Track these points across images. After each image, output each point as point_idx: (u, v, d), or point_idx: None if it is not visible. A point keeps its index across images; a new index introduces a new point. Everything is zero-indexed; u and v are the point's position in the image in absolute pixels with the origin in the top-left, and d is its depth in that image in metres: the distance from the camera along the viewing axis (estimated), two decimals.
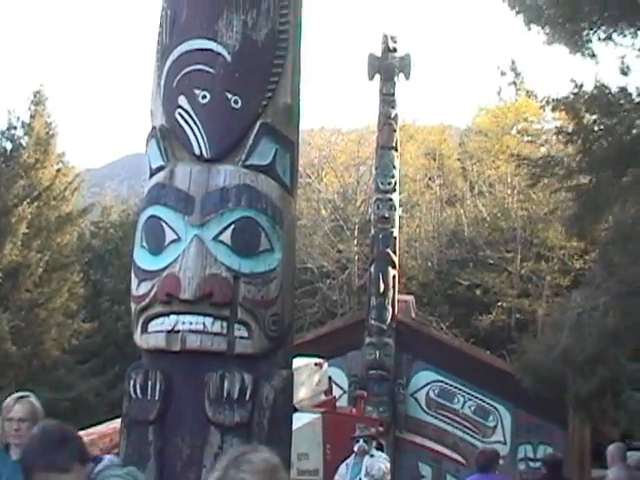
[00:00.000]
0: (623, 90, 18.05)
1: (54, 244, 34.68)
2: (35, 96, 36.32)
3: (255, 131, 6.40)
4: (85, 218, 40.65)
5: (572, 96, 18.55)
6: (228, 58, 6.51)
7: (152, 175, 6.58)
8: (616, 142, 16.73)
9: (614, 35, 18.29)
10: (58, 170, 36.66)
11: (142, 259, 6.42)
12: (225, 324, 6.06)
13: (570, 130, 18.97)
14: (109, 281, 40.96)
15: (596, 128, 18.76)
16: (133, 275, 6.50)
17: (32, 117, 35.71)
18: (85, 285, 37.67)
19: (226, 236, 6.13)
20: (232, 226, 6.14)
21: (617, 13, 17.44)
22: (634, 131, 17.56)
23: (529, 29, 18.89)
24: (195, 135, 6.35)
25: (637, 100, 17.99)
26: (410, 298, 29.12)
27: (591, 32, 18.29)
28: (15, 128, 35.79)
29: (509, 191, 43.68)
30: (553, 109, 20.31)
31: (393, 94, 26.33)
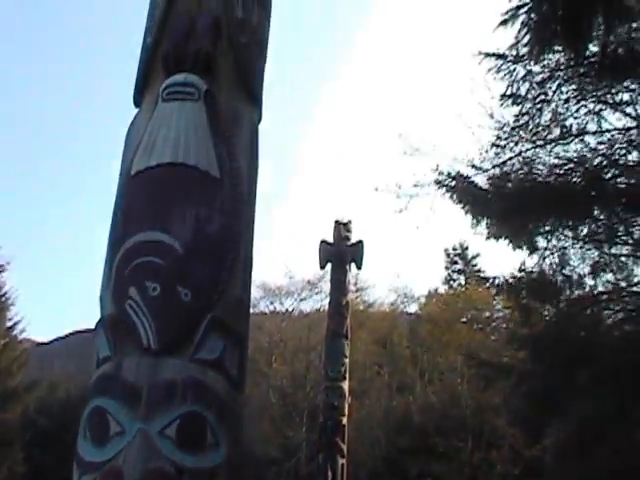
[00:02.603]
0: (567, 278, 18.58)
1: None
2: None
3: (204, 325, 6.41)
4: (31, 394, 40.07)
5: (516, 283, 19.07)
6: (180, 251, 6.59)
7: (99, 365, 6.54)
8: (565, 346, 17.06)
9: (558, 229, 18.96)
10: (5, 344, 36.39)
11: (85, 450, 6.29)
12: None
13: (520, 331, 19.37)
14: (51, 460, 39.89)
15: (540, 317, 19.17)
16: (75, 466, 6.34)
17: None
18: (25, 463, 36.78)
19: (171, 430, 6.04)
20: (178, 421, 6.07)
21: (560, 210, 18.11)
22: (581, 332, 17.97)
23: (477, 222, 19.47)
24: (144, 327, 6.34)
25: (577, 291, 18.52)
26: None
27: (535, 226, 18.94)
28: None
29: (459, 379, 43.69)
30: (497, 294, 20.82)
31: (344, 282, 26.43)
